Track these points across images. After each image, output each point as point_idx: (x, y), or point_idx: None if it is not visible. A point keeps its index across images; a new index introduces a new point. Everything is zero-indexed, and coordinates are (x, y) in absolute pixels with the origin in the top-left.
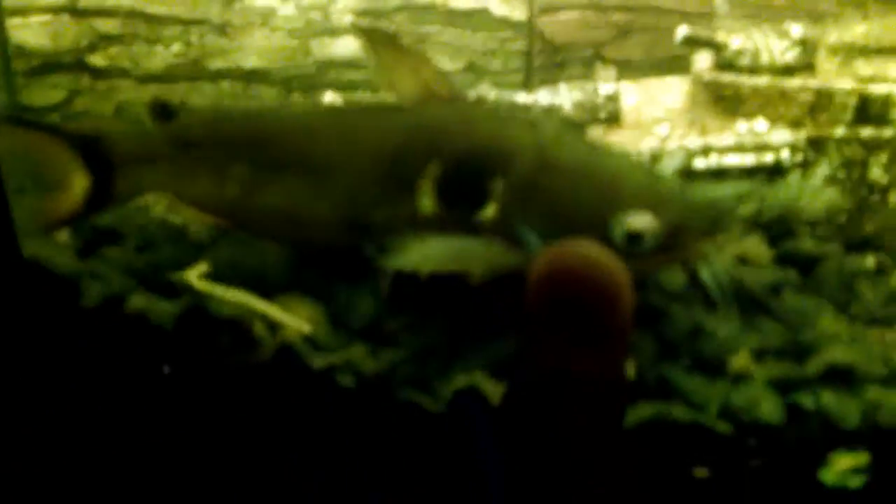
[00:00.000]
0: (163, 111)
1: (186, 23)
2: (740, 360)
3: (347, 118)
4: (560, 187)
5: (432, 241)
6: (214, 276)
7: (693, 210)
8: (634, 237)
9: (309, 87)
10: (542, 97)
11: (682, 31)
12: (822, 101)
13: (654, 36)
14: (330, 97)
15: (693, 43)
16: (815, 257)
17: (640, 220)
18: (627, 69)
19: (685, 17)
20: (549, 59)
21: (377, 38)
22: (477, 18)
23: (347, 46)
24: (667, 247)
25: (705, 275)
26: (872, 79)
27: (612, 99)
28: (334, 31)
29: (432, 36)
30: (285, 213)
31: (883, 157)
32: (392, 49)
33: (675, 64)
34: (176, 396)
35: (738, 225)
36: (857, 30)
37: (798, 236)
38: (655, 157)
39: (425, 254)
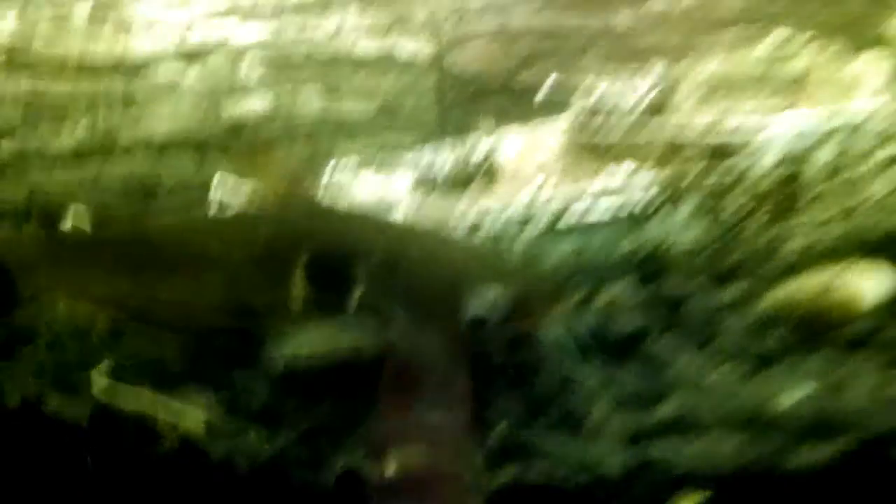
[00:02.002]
0: (48, 220)
1: (93, 99)
2: (597, 413)
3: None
4: (411, 272)
5: (311, 325)
6: (118, 371)
7: (540, 277)
8: (478, 321)
9: (223, 149)
10: (421, 160)
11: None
12: (682, 139)
13: (560, 61)
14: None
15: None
16: (683, 295)
17: (482, 303)
18: (528, 105)
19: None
20: (461, 93)
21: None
22: (385, 60)
23: (260, 103)
24: (516, 318)
25: (557, 335)
26: (728, 112)
27: (489, 155)
28: (244, 89)
29: (342, 83)
30: (178, 304)
31: (741, 189)
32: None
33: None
34: (94, 492)
35: (600, 274)
36: (713, 65)
37: (666, 275)
38: (524, 217)
39: (307, 337)
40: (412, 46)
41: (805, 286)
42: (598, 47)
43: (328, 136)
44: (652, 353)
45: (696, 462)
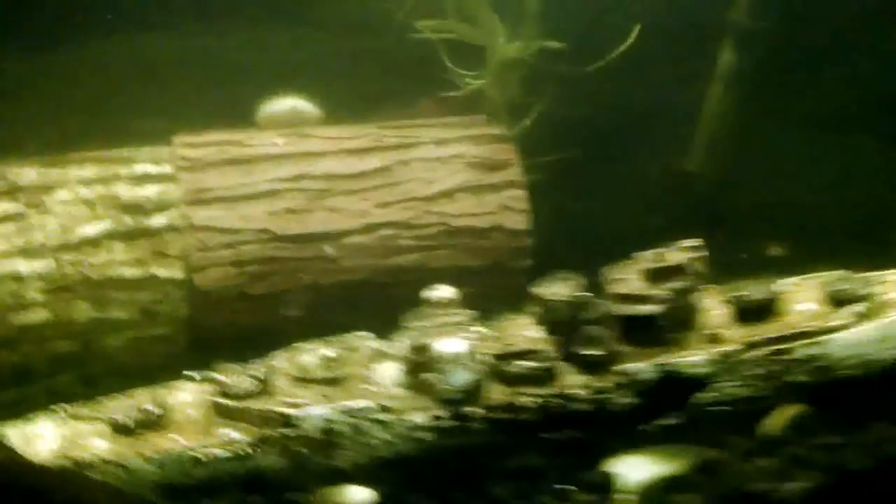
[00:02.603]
0: None
1: None
2: None
3: None
4: None
5: None
6: None
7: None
8: None
9: None
10: None
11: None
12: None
13: (281, 276)
14: None
15: None
16: None
17: None
18: None
19: None
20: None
21: None
22: (147, 281)
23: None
24: None
25: None
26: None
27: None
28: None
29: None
30: None
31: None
32: None
33: None
34: None
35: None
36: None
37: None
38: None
39: None
40: (167, 271)
41: None
42: (308, 269)
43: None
44: None
45: None
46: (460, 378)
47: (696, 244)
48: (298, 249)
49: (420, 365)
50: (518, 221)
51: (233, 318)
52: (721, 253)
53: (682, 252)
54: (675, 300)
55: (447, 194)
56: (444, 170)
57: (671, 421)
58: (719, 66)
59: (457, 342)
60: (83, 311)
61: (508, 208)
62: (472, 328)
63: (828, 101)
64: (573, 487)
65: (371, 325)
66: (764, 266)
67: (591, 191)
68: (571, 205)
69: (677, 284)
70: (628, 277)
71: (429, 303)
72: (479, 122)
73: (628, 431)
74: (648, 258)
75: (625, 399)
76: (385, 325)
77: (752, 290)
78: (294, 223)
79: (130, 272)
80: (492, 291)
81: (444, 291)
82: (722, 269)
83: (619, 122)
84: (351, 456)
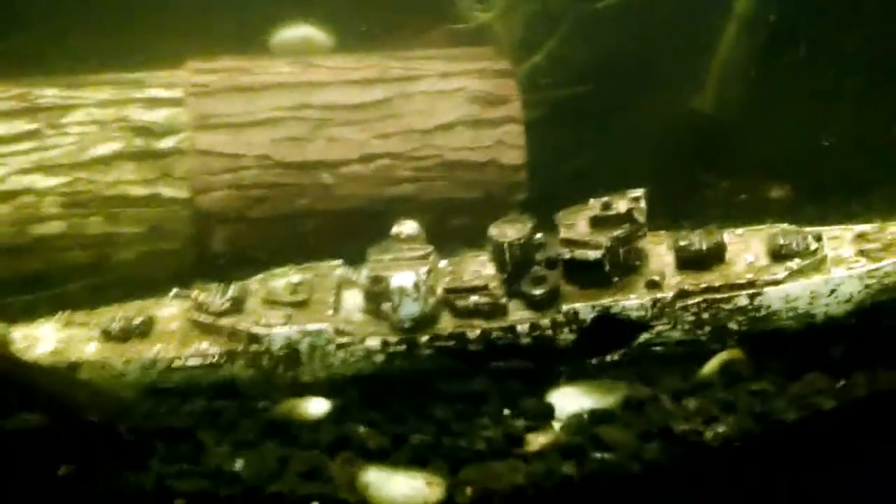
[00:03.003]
0: None
1: None
2: None
3: None
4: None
5: None
6: None
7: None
8: None
9: None
10: None
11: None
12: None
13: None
14: None
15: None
16: None
17: None
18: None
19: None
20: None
21: None
22: (153, 199)
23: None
24: None
25: None
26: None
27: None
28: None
29: (121, 214)
30: None
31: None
32: None
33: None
34: None
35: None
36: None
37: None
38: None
39: None
40: (172, 191)
41: None
42: (306, 195)
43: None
44: None
45: None
46: (411, 309)
47: (641, 193)
48: (297, 176)
49: (377, 295)
50: (514, 157)
51: (234, 239)
52: (723, 194)
53: (627, 200)
54: (616, 246)
55: (446, 127)
56: (445, 103)
57: (614, 358)
58: (735, 8)
59: (409, 275)
60: (95, 225)
61: (505, 143)
62: (432, 262)
63: (850, 48)
64: (511, 412)
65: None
66: (763, 208)
67: (597, 129)
68: (577, 142)
69: (620, 231)
70: (577, 223)
71: (395, 237)
72: (484, 55)
73: (571, 365)
74: (597, 206)
75: (566, 335)
76: None
77: (697, 240)
78: (294, 150)
79: (138, 191)
80: (487, 224)
81: (408, 227)
82: (722, 210)
83: (628, 61)
84: (311, 372)
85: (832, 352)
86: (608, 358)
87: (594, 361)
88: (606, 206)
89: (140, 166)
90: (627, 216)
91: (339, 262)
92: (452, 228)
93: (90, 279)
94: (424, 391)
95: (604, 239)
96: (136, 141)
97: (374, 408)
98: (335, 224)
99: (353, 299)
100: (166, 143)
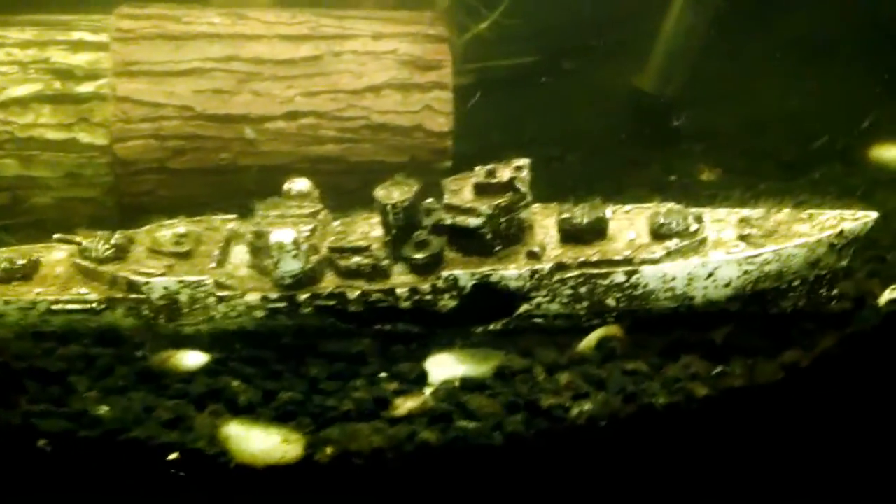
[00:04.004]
0: None
1: None
2: None
3: None
4: None
5: None
6: None
7: None
8: None
9: None
10: None
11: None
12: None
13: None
14: None
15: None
16: None
17: None
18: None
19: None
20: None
21: None
22: (70, 143)
23: None
24: None
25: None
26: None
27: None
28: None
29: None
30: None
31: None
32: None
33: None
34: None
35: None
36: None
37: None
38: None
39: None
40: (90, 137)
41: None
42: (228, 149)
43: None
44: None
45: None
46: (290, 265)
47: (525, 163)
48: (219, 129)
49: (259, 250)
50: (441, 123)
51: (153, 189)
52: (657, 172)
53: (512, 169)
54: (498, 215)
55: (374, 89)
56: (375, 64)
57: (497, 327)
58: None
59: (289, 232)
60: (10, 166)
61: (433, 109)
62: (319, 221)
63: (801, 27)
64: (386, 375)
65: None
66: (693, 189)
67: (539, 98)
68: (518, 111)
69: (502, 200)
70: (463, 189)
71: (287, 193)
72: (420, 19)
73: (454, 332)
74: (482, 173)
75: (447, 302)
76: None
77: (580, 213)
78: (217, 103)
79: (55, 135)
80: None
81: (300, 184)
82: (652, 188)
83: (576, 33)
84: (192, 324)
85: (712, 336)
86: (491, 327)
87: (479, 330)
88: (490, 174)
89: (58, 110)
90: (510, 185)
91: (233, 216)
92: None
93: (4, 220)
94: (307, 350)
95: (485, 207)
96: (56, 84)
97: (253, 363)
98: (258, 180)
99: (242, 254)
100: (87, 88)
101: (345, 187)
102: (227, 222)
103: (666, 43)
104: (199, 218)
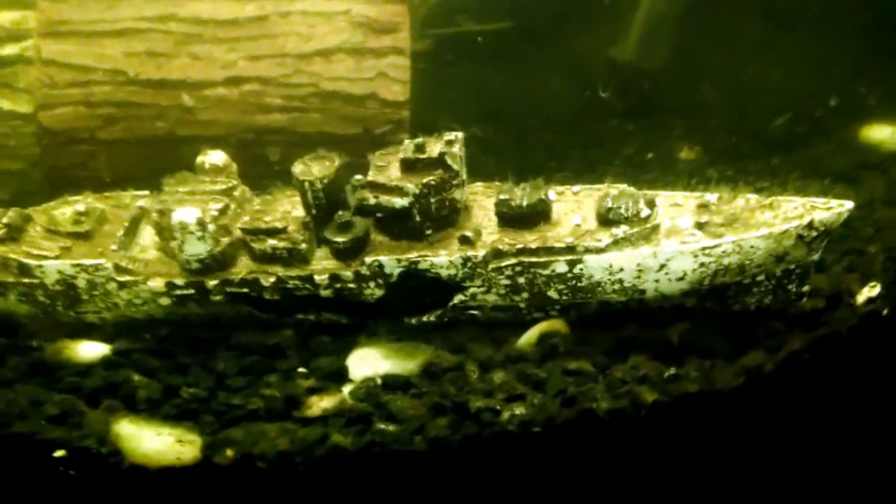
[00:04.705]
0: None
1: None
2: None
3: None
4: None
5: None
6: None
7: None
8: None
9: None
10: None
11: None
12: None
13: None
14: None
15: None
16: None
17: None
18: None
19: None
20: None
21: None
22: None
23: None
24: None
25: None
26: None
27: None
28: None
29: None
30: None
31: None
32: None
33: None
34: None
35: None
36: None
37: None
38: None
39: None
40: (13, 104)
41: None
42: (165, 118)
43: None
44: None
45: None
46: (195, 248)
47: (458, 136)
48: (155, 96)
49: (164, 230)
50: (396, 92)
51: (84, 161)
52: (633, 149)
53: (443, 143)
54: (426, 194)
55: (324, 54)
56: (326, 26)
57: (431, 319)
58: None
59: (192, 211)
60: None
61: (388, 77)
62: (234, 199)
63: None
64: (304, 371)
65: None
66: (671, 168)
67: (511, 67)
68: (488, 81)
69: (431, 178)
70: (390, 165)
71: (199, 167)
72: None
73: (384, 324)
74: (410, 147)
75: (373, 290)
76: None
77: (519, 195)
78: (153, 67)
79: None
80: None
81: (214, 157)
82: (627, 166)
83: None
84: (94, 311)
85: (667, 335)
86: (425, 318)
87: (413, 321)
88: (419, 149)
89: None
90: (440, 161)
91: (145, 192)
92: None
93: None
94: (220, 342)
95: (412, 185)
96: None
97: (159, 356)
98: (197, 153)
99: (151, 235)
100: (9, 51)
101: (291, 161)
102: (138, 199)
103: (646, 10)
104: (107, 194)
